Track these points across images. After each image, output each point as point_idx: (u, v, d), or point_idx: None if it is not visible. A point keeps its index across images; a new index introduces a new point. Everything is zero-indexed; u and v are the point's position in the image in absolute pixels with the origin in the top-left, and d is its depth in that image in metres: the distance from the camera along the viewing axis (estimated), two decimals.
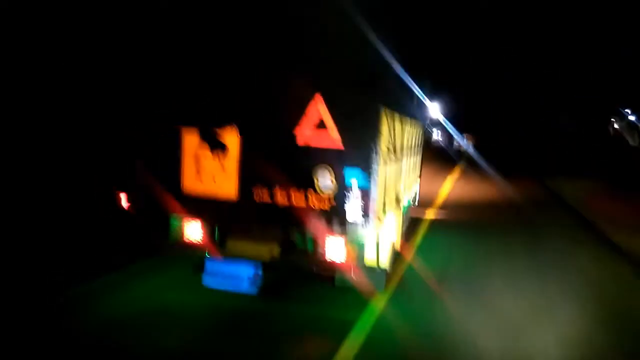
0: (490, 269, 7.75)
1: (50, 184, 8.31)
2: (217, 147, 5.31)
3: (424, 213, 11.74)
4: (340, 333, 5.06)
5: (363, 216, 5.06)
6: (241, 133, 5.26)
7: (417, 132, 9.19)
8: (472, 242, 9.49)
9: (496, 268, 7.79)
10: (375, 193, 5.07)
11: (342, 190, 5.06)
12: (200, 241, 5.57)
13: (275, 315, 5.51)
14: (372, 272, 5.68)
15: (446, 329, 5.43)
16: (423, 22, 9.83)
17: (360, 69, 4.98)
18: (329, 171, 5.04)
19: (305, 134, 5.09)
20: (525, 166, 27.29)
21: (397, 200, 6.99)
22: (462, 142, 43.83)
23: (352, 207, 5.07)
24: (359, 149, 4.99)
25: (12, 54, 8.37)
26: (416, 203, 11.20)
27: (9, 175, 8.01)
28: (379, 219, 5.30)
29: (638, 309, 6.48)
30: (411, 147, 8.36)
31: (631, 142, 36.35)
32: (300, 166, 5.11)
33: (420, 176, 11.17)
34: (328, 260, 5.27)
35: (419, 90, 8.64)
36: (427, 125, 13.83)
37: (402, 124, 6.84)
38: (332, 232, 5.14)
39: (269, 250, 5.45)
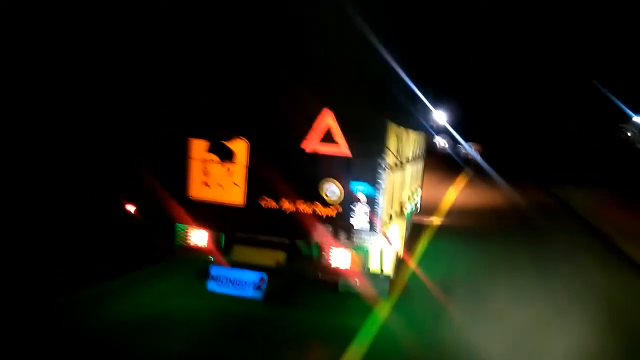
0: (494, 279, 7.72)
1: (57, 190, 8.41)
2: (226, 156, 5.37)
3: (429, 219, 11.74)
4: (344, 340, 5.08)
5: (369, 224, 5.11)
6: (249, 142, 5.32)
7: (420, 140, 9.25)
8: (474, 249, 9.48)
9: (502, 277, 7.78)
10: (382, 201, 5.12)
11: (348, 198, 5.12)
12: (205, 248, 5.62)
13: (280, 321, 5.54)
14: (376, 279, 5.72)
15: (450, 336, 5.44)
16: (427, 30, 9.89)
17: (368, 81, 5.05)
18: (336, 179, 5.10)
19: (313, 143, 5.15)
20: (531, 173, 27.17)
21: (401, 208, 7.03)
22: (469, 149, 43.73)
23: (359, 215, 5.12)
24: (366, 160, 5.06)
25: (30, 57, 8.42)
26: (418, 210, 11.23)
27: (21, 181, 8.13)
28: (384, 226, 5.34)
29: None
30: (414, 155, 8.41)
31: None
32: (308, 173, 5.16)
33: (421, 186, 11.22)
34: (333, 266, 5.31)
35: (424, 98, 8.69)
36: (431, 133, 13.87)
37: (407, 134, 6.89)
38: (337, 239, 5.19)
39: (275, 257, 5.49)
